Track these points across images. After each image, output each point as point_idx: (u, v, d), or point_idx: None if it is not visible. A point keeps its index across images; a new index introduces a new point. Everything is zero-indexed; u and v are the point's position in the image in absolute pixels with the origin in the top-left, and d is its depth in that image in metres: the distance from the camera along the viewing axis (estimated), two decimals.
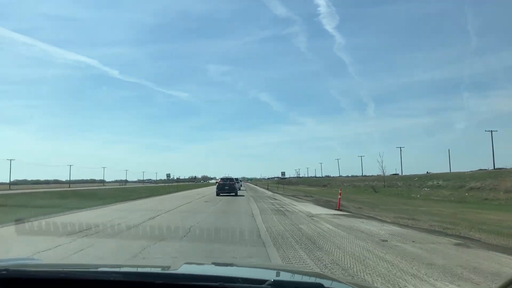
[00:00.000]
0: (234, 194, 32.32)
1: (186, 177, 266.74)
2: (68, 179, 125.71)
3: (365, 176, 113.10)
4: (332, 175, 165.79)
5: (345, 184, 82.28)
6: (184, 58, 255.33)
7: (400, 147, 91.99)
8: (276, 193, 42.48)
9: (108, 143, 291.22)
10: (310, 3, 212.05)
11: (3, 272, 1.66)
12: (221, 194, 31.59)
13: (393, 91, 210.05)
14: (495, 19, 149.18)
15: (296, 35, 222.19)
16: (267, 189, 59.57)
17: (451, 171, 72.87)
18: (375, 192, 50.24)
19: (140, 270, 2.13)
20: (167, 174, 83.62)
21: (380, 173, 59.72)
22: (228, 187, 32.60)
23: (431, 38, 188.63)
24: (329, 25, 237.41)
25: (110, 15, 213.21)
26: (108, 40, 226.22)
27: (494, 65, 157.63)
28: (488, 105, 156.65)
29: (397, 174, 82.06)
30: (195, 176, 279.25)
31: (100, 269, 2.01)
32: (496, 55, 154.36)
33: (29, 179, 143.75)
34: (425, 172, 74.65)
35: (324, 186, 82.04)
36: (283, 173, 65.38)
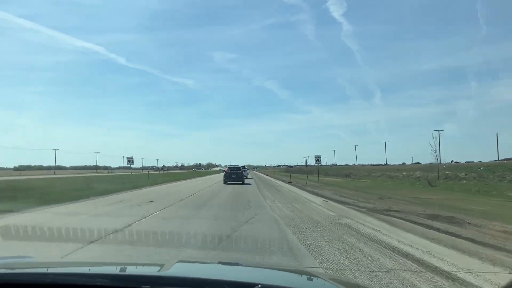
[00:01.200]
0: (241, 182, 32.05)
1: (191, 164, 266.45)
2: (72, 165, 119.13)
3: (388, 165, 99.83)
4: (339, 164, 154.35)
5: (373, 174, 68.39)
6: (190, 45, 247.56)
7: (438, 131, 77.26)
8: (320, 195, 20.16)
9: (114, 130, 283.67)
10: None
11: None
12: (228, 182, 31.09)
13: (400, 80, 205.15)
14: (505, 7, 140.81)
15: (303, 22, 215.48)
16: (289, 182, 38.45)
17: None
18: (431, 186, 36.13)
19: (128, 272, 2.04)
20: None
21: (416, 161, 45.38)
22: (235, 175, 32.31)
23: (439, 26, 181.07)
24: (336, 12, 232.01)
25: (116, 1, 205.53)
26: (115, 26, 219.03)
27: (503, 54, 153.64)
28: (496, 94, 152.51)
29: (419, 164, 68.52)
30: (199, 163, 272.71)
31: (87, 272, 1.95)
32: (505, 43, 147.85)
33: (33, 164, 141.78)
34: (450, 162, 66.91)
35: (346, 176, 67.92)
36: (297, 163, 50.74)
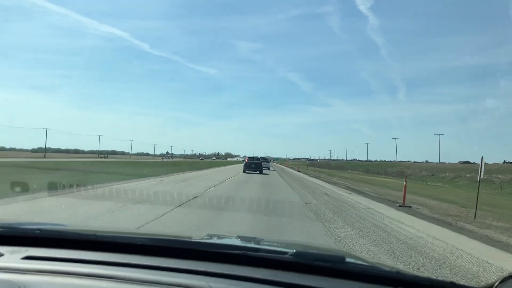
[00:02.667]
0: (259, 172, 33.08)
1: (210, 153, 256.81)
2: (98, 149, 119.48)
3: (443, 163, 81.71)
4: (359, 159, 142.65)
5: (424, 172, 51.36)
6: (215, 34, 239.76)
7: None
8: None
9: (136, 116, 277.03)
10: None
11: (36, 231, 1.73)
12: (246, 171, 32.93)
13: (426, 76, 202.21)
14: None
15: (329, 14, 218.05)
16: (332, 183, 25.63)
17: None
18: None
19: (165, 237, 2.01)
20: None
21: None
22: (254, 165, 33.88)
23: (469, 22, 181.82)
24: (363, 5, 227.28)
25: None
26: (141, 12, 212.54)
27: None
28: None
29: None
30: (218, 153, 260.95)
31: (126, 235, 1.99)
32: None
33: (61, 147, 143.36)
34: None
35: (399, 175, 50.82)
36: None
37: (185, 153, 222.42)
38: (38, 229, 1.75)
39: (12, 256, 1.53)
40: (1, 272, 1.38)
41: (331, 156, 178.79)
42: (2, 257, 1.51)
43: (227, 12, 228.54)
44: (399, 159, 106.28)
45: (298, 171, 46.66)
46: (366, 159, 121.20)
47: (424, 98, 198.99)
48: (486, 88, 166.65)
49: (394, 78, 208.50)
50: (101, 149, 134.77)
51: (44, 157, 71.94)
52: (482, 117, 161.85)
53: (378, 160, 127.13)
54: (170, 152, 74.31)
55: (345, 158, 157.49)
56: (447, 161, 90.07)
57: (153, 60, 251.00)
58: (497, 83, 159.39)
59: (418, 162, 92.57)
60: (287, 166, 76.57)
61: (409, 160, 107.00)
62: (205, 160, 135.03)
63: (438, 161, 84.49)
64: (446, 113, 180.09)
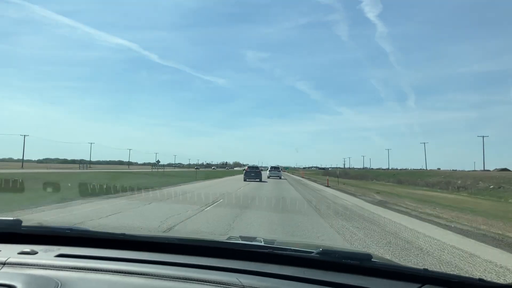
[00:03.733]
0: (258, 180, 34.23)
1: (217, 162, 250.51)
2: (96, 159, 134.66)
3: (488, 170, 70.65)
4: (372, 167, 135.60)
5: (482, 183, 40.31)
6: (223, 44, 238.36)
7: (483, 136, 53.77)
8: None
9: (145, 126, 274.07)
10: None
11: (67, 231, 1.82)
12: (247, 180, 34.11)
13: (435, 83, 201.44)
14: None
15: (337, 23, 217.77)
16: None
17: None
18: None
19: (192, 237, 2.18)
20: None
21: None
22: (254, 173, 35.17)
23: (477, 29, 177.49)
24: (371, 13, 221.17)
25: None
26: (149, 24, 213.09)
27: None
28: None
29: None
30: (226, 162, 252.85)
31: (155, 235, 2.10)
32: None
33: (68, 158, 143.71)
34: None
35: (434, 186, 39.84)
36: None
37: (190, 163, 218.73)
38: (69, 229, 1.84)
39: (46, 254, 1.61)
40: (38, 268, 1.46)
41: (344, 164, 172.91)
42: (36, 255, 1.58)
43: (234, 22, 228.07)
44: (417, 167, 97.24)
45: (328, 186, 32.27)
46: (388, 167, 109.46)
47: (434, 105, 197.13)
48: (497, 95, 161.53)
49: (404, 86, 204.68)
50: (108, 159, 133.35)
51: (22, 167, 62.06)
52: (490, 124, 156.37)
53: (398, 168, 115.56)
54: (159, 161, 60.63)
55: (357, 167, 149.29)
56: (470, 168, 79.23)
57: (162, 70, 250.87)
58: (508, 89, 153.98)
59: (450, 170, 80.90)
60: (302, 177, 64.30)
61: (438, 168, 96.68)
62: (203, 169, 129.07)
63: (483, 168, 72.78)
64: (456, 119, 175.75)
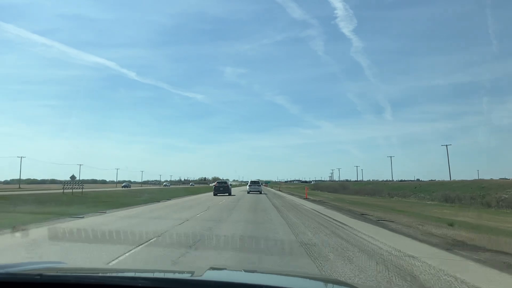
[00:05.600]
0: (228, 194, 35.21)
1: (198, 178, 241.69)
2: (83, 178, 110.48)
3: (503, 179, 60.69)
4: (350, 179, 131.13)
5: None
6: (201, 60, 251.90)
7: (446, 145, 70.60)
8: None
9: (124, 144, 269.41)
10: (327, 6, 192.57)
11: (36, 277, 1.67)
12: (218, 194, 34.53)
13: (410, 95, 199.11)
14: None
15: (313, 38, 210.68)
16: None
17: None
18: None
19: (166, 276, 2.11)
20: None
21: None
22: (222, 188, 35.85)
23: (450, 42, 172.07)
24: (346, 28, 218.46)
25: (127, 16, 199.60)
26: (126, 41, 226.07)
27: None
28: (508, 110, 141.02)
29: None
30: (205, 178, 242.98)
31: (127, 275, 2.00)
32: None
33: (46, 178, 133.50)
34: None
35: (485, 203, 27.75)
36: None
37: (171, 179, 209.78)
38: (39, 274, 1.70)
39: None
40: None
41: (330, 177, 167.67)
42: None
43: (212, 39, 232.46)
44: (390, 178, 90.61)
45: (292, 195, 22.75)
46: (391, 179, 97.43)
47: (410, 117, 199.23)
48: (470, 106, 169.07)
49: (380, 99, 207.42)
50: (88, 178, 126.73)
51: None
52: (465, 135, 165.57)
53: (374, 180, 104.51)
54: (74, 176, 34.87)
55: (340, 179, 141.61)
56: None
57: (140, 87, 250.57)
58: (480, 100, 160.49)
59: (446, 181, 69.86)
60: (291, 193, 50.56)
61: (418, 179, 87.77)
62: (177, 186, 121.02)
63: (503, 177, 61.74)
64: (430, 131, 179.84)
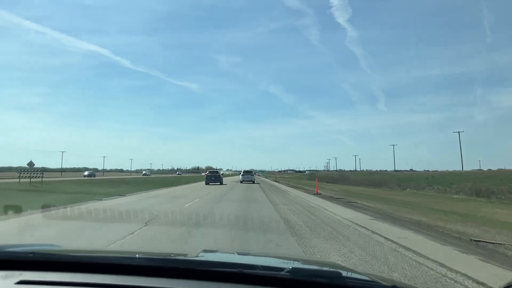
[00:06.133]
0: (219, 183, 35.53)
1: (191, 167, 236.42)
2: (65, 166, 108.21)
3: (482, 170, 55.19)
4: (344, 169, 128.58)
5: None
6: (195, 49, 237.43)
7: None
8: None
9: (117, 132, 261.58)
10: None
11: (29, 255, 1.66)
12: (210, 184, 34.99)
13: (405, 86, 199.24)
14: (510, 14, 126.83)
15: (308, 27, 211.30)
16: None
17: None
18: None
19: (161, 256, 2.00)
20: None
21: None
22: (214, 177, 35.97)
23: (445, 33, 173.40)
24: (341, 17, 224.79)
25: (121, 3, 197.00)
26: (120, 29, 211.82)
27: (509, 61, 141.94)
28: (502, 102, 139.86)
29: None
30: (198, 167, 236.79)
31: (122, 255, 1.92)
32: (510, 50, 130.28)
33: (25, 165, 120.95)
34: None
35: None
36: None
37: (163, 168, 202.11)
38: (32, 252, 1.70)
39: (6, 281, 1.49)
40: None
41: (325, 166, 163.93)
42: None
43: (206, 27, 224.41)
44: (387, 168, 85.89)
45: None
46: (394, 169, 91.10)
47: (404, 108, 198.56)
48: (464, 97, 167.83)
49: (374, 89, 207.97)
50: (80, 166, 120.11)
51: None
52: (458, 125, 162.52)
53: (372, 169, 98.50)
54: (33, 163, 29.67)
55: (336, 169, 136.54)
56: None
57: (134, 76, 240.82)
58: (474, 91, 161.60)
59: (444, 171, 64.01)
60: (292, 185, 42.68)
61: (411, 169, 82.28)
62: (164, 175, 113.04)
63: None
64: (425, 121, 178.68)
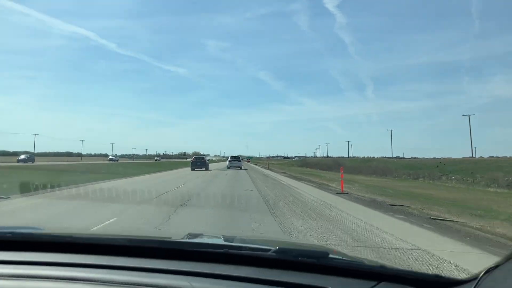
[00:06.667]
0: (205, 169, 35.59)
1: (178, 153, 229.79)
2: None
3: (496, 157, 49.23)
4: (332, 155, 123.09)
5: None
6: (183, 33, 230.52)
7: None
8: None
9: (103, 116, 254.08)
10: None
11: (8, 235, 1.62)
12: (195, 169, 34.61)
13: (393, 73, 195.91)
14: (498, 2, 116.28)
15: (297, 13, 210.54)
16: None
17: None
18: None
19: (144, 238, 1.93)
20: None
21: None
22: (199, 163, 36.03)
23: (433, 20, 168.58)
24: (331, 3, 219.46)
25: None
26: (107, 11, 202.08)
27: (496, 50, 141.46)
28: (488, 90, 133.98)
29: None
30: (184, 152, 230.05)
31: (105, 236, 1.85)
32: (498, 39, 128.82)
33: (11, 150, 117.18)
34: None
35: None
36: None
37: (147, 154, 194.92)
38: (10, 233, 1.64)
39: None
40: None
41: (314, 153, 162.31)
42: None
43: (195, 11, 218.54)
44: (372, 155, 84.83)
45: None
46: (393, 155, 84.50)
47: (392, 95, 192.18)
48: (451, 85, 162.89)
49: (363, 76, 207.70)
50: (57, 150, 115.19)
51: None
52: (445, 113, 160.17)
53: (360, 156, 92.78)
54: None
55: (326, 155, 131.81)
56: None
57: (121, 59, 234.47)
58: (460, 79, 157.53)
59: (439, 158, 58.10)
60: (290, 175, 34.22)
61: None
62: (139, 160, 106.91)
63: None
64: (412, 109, 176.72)
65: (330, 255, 1.47)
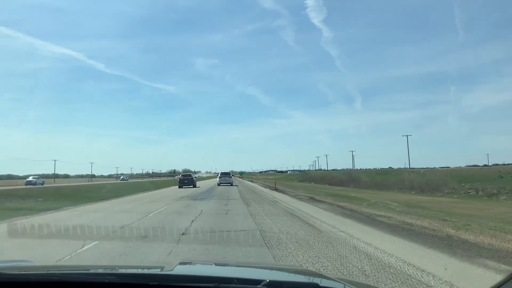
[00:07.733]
0: (192, 186, 35.42)
1: (166, 171, 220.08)
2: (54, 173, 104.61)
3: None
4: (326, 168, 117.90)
5: None
6: (171, 51, 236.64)
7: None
8: None
9: (94, 137, 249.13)
10: None
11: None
12: (183, 187, 34.53)
13: (380, 85, 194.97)
14: (481, 13, 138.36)
15: (284, 28, 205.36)
16: None
17: None
18: None
19: (134, 271, 1.95)
20: None
21: None
22: (187, 180, 35.92)
23: (419, 32, 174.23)
24: (316, 18, 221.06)
25: (95, 6, 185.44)
26: (94, 32, 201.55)
27: (481, 59, 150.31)
28: (475, 99, 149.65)
29: None
30: (174, 170, 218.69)
31: (93, 271, 1.87)
32: (483, 49, 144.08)
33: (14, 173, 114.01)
34: None
35: None
36: None
37: (143, 172, 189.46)
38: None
39: None
40: None
41: (310, 166, 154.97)
42: None
43: (182, 29, 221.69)
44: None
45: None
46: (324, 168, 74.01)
47: (380, 107, 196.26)
48: (438, 95, 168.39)
49: (350, 88, 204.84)
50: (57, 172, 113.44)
51: None
52: (433, 123, 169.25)
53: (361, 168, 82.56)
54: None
55: (327, 168, 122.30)
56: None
57: (110, 79, 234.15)
58: (448, 89, 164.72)
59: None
60: (299, 197, 25.44)
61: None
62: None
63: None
64: (400, 120, 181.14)
65: (321, 285, 1.46)
